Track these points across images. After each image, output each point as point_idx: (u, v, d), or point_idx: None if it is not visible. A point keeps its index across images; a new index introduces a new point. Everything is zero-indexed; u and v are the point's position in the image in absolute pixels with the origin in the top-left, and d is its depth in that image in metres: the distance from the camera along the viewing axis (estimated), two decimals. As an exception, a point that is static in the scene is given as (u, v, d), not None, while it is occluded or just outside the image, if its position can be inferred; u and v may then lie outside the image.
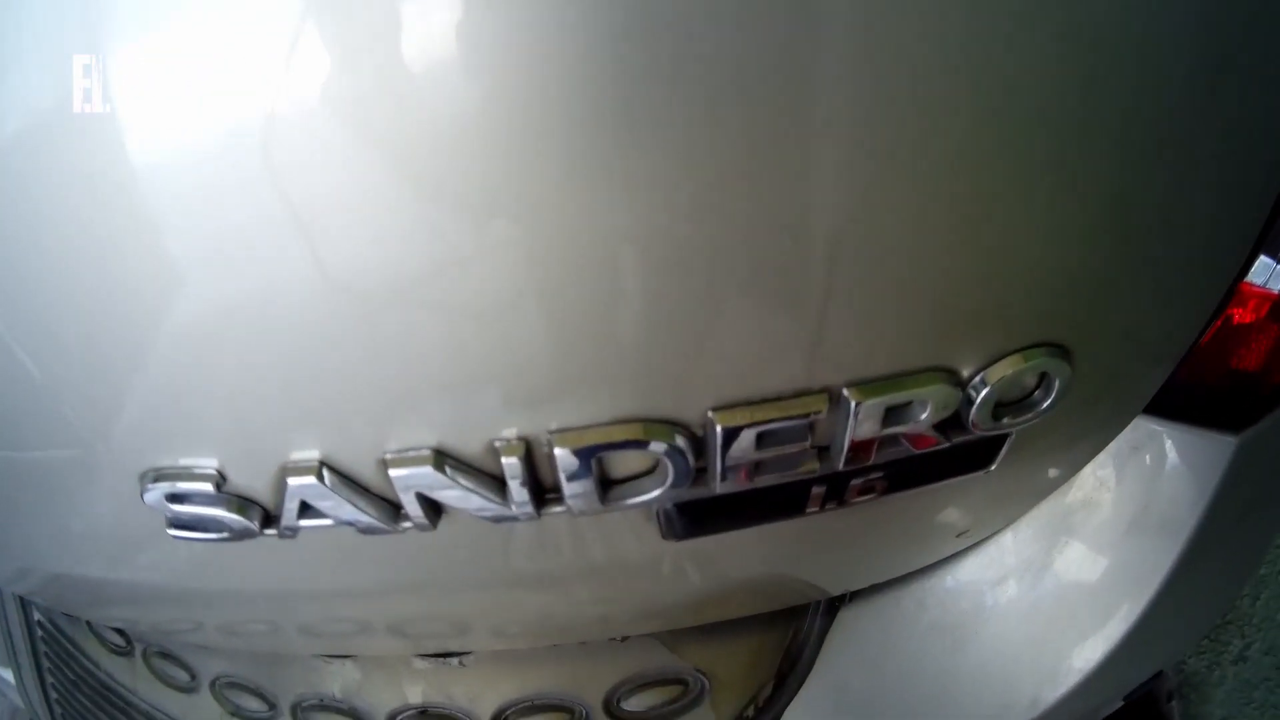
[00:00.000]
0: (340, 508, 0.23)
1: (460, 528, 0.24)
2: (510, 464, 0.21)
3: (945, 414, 0.24)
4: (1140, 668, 0.44)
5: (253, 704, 0.42)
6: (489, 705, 0.38)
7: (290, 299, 0.20)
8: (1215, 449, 0.35)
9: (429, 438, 0.21)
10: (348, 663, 0.40)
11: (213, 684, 0.43)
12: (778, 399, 0.22)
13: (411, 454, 0.21)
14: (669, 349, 0.21)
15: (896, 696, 0.40)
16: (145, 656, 0.45)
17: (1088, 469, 0.37)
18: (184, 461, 0.24)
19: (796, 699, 0.39)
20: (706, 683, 0.38)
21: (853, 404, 0.23)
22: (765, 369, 0.21)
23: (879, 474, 0.26)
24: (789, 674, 0.39)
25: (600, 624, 0.34)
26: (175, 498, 0.25)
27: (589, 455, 0.21)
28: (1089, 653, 0.39)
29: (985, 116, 0.19)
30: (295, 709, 0.41)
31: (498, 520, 0.23)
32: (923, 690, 0.41)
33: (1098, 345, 0.26)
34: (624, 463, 0.23)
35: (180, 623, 0.39)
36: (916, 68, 0.18)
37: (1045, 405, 0.26)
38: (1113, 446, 0.36)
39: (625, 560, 0.28)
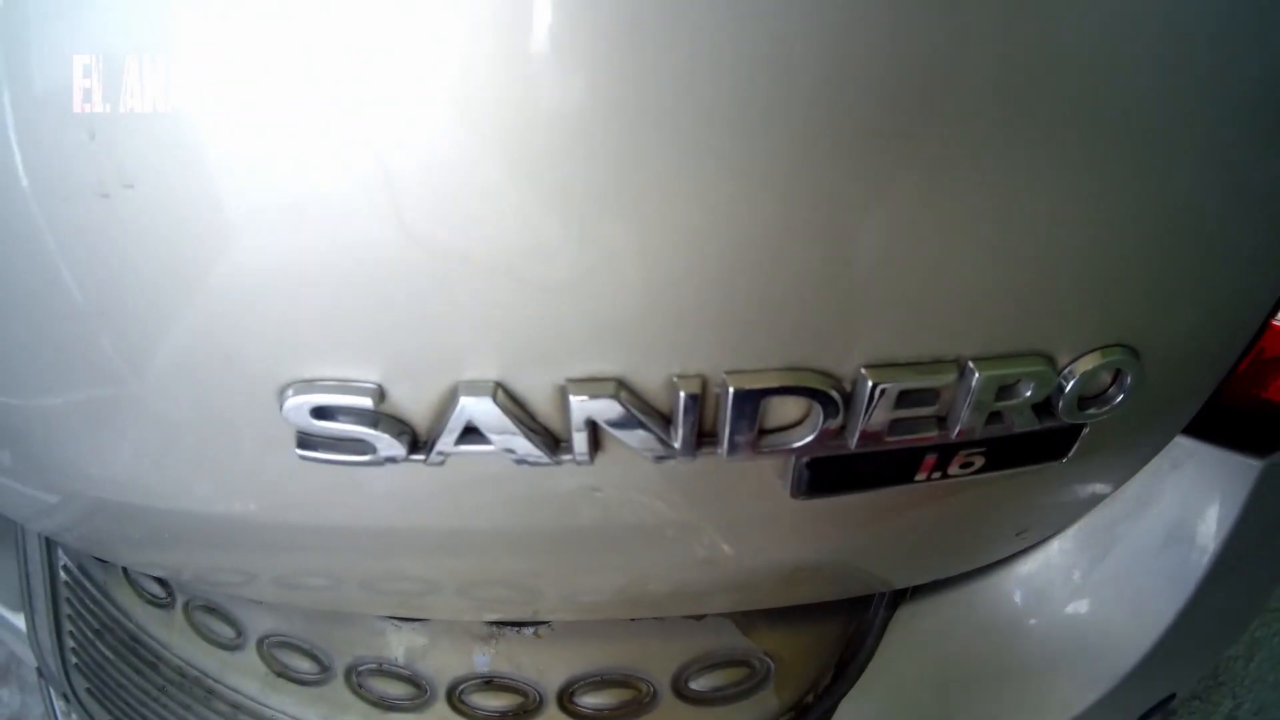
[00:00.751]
0: (507, 433, 0.25)
1: (603, 467, 0.27)
2: (685, 399, 0.24)
3: (1042, 396, 0.28)
4: (1164, 680, 0.47)
5: (303, 664, 0.42)
6: (557, 678, 0.39)
7: (485, 217, 0.21)
8: (1243, 471, 0.39)
9: (613, 367, 0.24)
10: (415, 626, 0.41)
11: (260, 642, 0.42)
12: (917, 364, 0.25)
13: (594, 382, 0.24)
14: (835, 306, 0.24)
15: (946, 691, 0.43)
16: (186, 609, 0.45)
17: (1131, 486, 0.41)
18: (341, 374, 0.25)
19: (853, 689, 0.41)
20: (772, 667, 0.40)
21: (975, 375, 0.26)
22: (913, 336, 0.25)
23: (979, 449, 0.29)
24: (849, 664, 0.41)
25: (683, 600, 0.36)
26: (320, 412, 0.26)
27: (756, 397, 0.24)
28: (1121, 660, 0.42)
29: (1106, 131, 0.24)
30: (350, 672, 0.41)
31: (656, 459, 0.26)
32: (970, 686, 0.43)
33: (1161, 351, 0.30)
34: (778, 411, 0.26)
35: (244, 572, 0.39)
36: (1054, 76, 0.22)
37: (1118, 401, 0.30)
38: (1154, 464, 0.40)
39: (744, 518, 0.30)
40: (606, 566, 0.32)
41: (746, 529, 0.31)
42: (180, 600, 0.45)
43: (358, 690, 0.42)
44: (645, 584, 0.35)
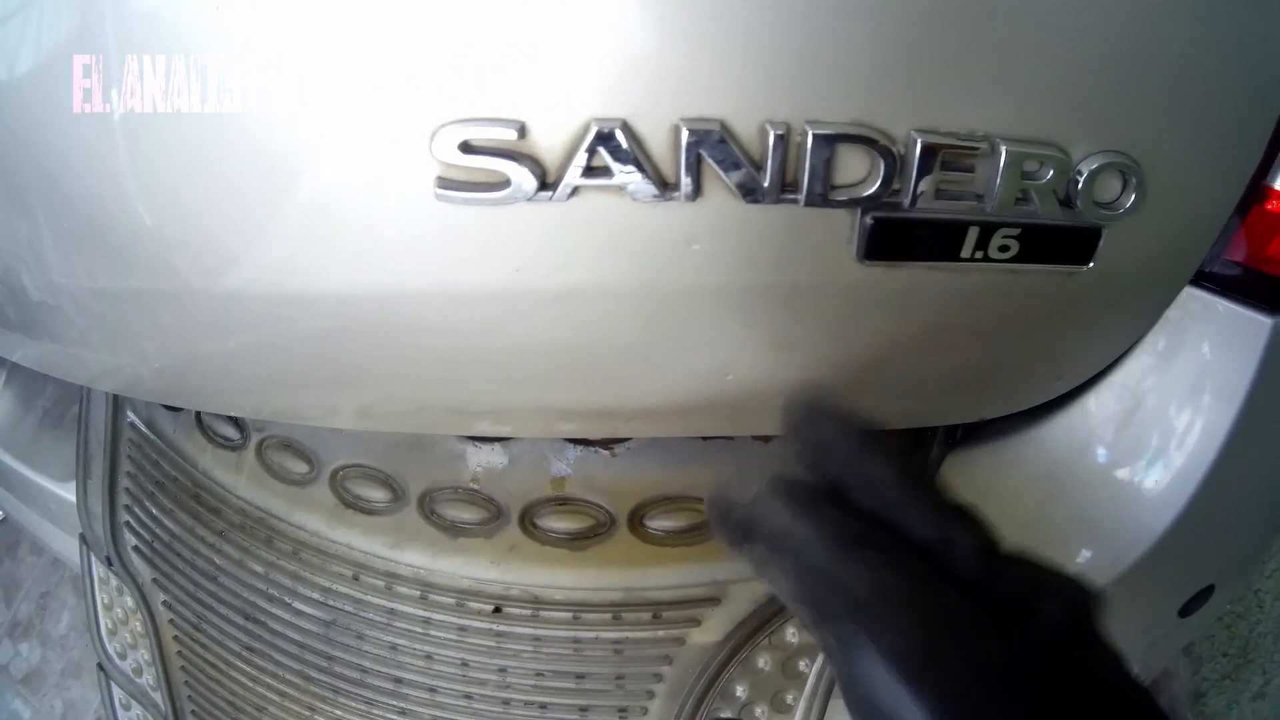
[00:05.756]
0: (629, 164, 0.34)
1: (702, 210, 0.35)
2: (774, 139, 0.34)
3: (1061, 183, 0.37)
4: (1202, 560, 0.53)
5: (376, 494, 0.48)
6: (631, 498, 0.46)
7: None
8: (1256, 328, 0.47)
9: (717, 109, 0.34)
10: (494, 447, 0.48)
11: (334, 474, 0.49)
12: (957, 133, 0.35)
13: (703, 122, 0.34)
14: (897, 74, 0.34)
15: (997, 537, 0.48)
16: (260, 449, 0.52)
17: (1151, 341, 0.50)
18: (485, 110, 0.34)
19: (907, 524, 0.47)
20: (830, 493, 0.46)
21: (1004, 149, 0.36)
22: (953, 110, 0.35)
23: (1014, 231, 0.38)
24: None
25: (755, 410, 0.43)
26: (469, 147, 0.34)
27: (831, 142, 0.34)
28: (1158, 518, 0.49)
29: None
30: (424, 498, 0.48)
31: (747, 197, 0.35)
32: (1020, 536, 0.48)
33: (1161, 165, 0.39)
34: (847, 166, 0.35)
35: (333, 397, 0.47)
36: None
37: (1128, 205, 0.39)
38: (1173, 320, 0.49)
39: (814, 288, 0.38)
40: (692, 343, 0.40)
41: (816, 298, 0.39)
42: (254, 440, 0.52)
43: (429, 516, 0.48)
44: (721, 381, 0.42)
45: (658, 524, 0.47)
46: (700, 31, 0.33)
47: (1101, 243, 0.41)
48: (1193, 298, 0.48)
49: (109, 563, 0.59)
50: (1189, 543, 0.50)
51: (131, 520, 0.57)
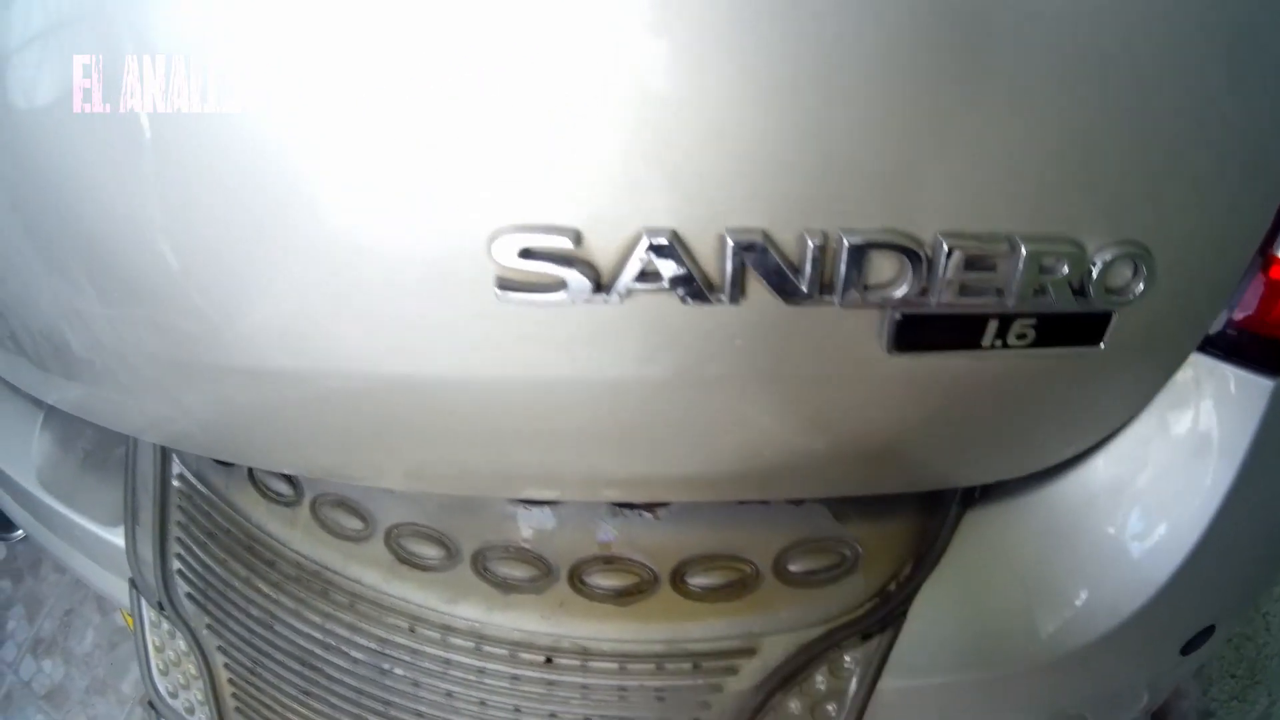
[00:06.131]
0: (677, 270, 0.37)
1: (744, 311, 0.39)
2: (813, 249, 0.37)
3: (1076, 275, 0.41)
4: (1203, 605, 0.56)
5: (430, 551, 0.52)
6: (673, 558, 0.49)
7: (681, 96, 0.34)
8: (1258, 390, 0.51)
9: (760, 220, 0.37)
10: (542, 509, 0.51)
11: (389, 531, 0.53)
12: (980, 236, 0.38)
13: (746, 232, 0.37)
14: (923, 185, 0.37)
15: (1010, 588, 0.52)
16: (314, 505, 0.55)
17: (1161, 403, 0.53)
18: (544, 219, 0.37)
19: (929, 580, 0.51)
20: (860, 554, 0.50)
21: (1023, 249, 0.39)
22: (976, 214, 0.38)
23: (1031, 320, 0.42)
24: (925, 556, 0.51)
25: (789, 478, 0.47)
26: (528, 253, 0.37)
27: (865, 250, 0.37)
28: (1160, 569, 0.53)
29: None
30: (477, 556, 0.51)
31: (787, 300, 0.38)
32: (1031, 585, 0.53)
33: (1171, 252, 0.42)
34: (878, 270, 0.38)
35: (384, 461, 0.50)
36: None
37: (1139, 290, 0.42)
38: (1179, 384, 0.52)
39: (845, 377, 0.42)
40: (732, 424, 0.44)
41: (847, 386, 0.43)
42: (308, 496, 0.56)
43: (482, 573, 0.52)
44: (757, 455, 0.46)
45: (697, 581, 0.51)
46: (745, 150, 0.36)
47: (1111, 324, 0.45)
48: (1198, 362, 0.52)
49: (161, 607, 0.62)
50: (1189, 590, 0.54)
51: (184, 568, 0.61)
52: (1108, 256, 0.41)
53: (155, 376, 0.51)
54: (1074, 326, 0.44)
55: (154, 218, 0.43)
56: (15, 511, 0.80)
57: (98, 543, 0.68)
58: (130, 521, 0.63)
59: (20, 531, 1.26)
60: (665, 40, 0.35)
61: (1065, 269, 0.41)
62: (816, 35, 0.35)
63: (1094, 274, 0.41)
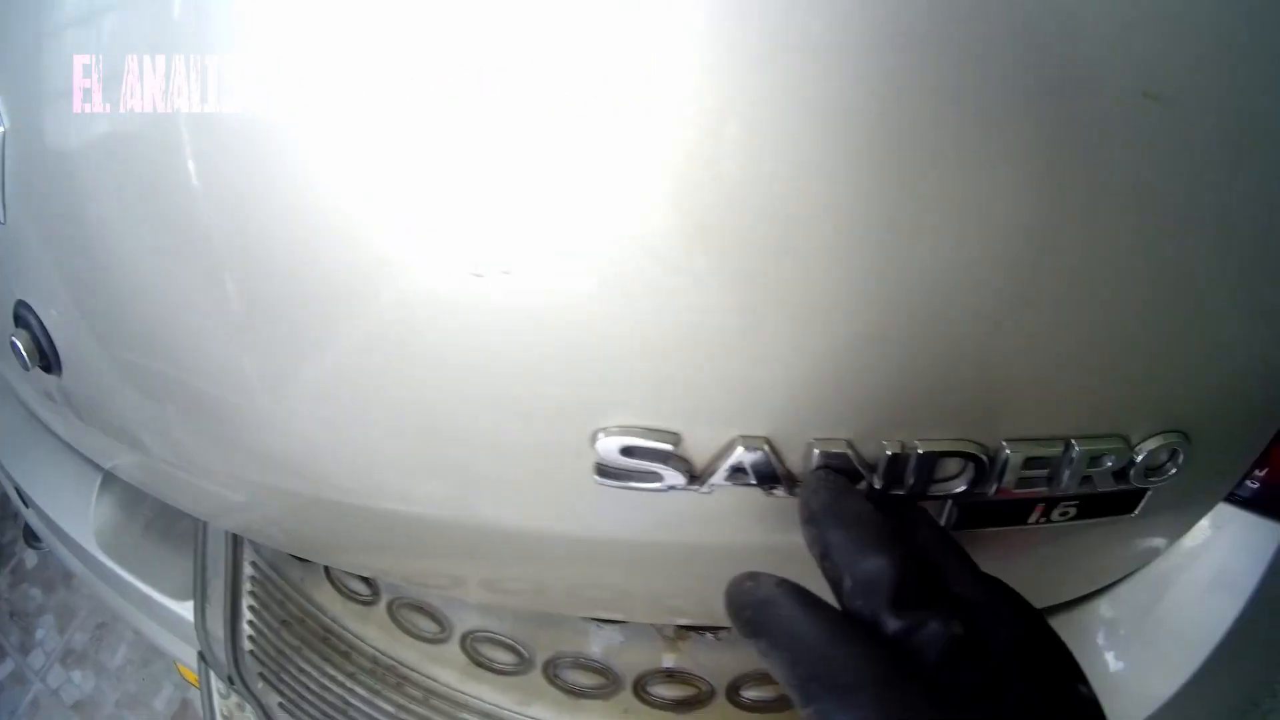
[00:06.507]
0: (766, 473, 0.41)
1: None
2: (887, 460, 0.41)
3: (1120, 466, 0.45)
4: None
5: (504, 657, 0.57)
6: (729, 674, 0.55)
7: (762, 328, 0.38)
8: (1269, 534, 0.56)
9: (845, 432, 0.41)
10: (614, 627, 0.56)
11: (464, 637, 0.57)
12: (1039, 439, 0.42)
13: (831, 442, 0.41)
14: (995, 391, 0.41)
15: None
16: (391, 607, 0.59)
17: (1184, 543, 0.58)
18: (647, 423, 0.41)
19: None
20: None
21: (1076, 449, 0.43)
22: (1035, 421, 0.42)
23: (1074, 502, 0.46)
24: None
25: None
26: (629, 450, 0.41)
27: (936, 456, 0.41)
28: (1166, 686, 0.58)
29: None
30: (549, 664, 0.56)
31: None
32: None
33: (1207, 437, 0.47)
34: (945, 468, 0.42)
35: (463, 576, 0.54)
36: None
37: (1173, 472, 0.47)
38: (1203, 527, 0.57)
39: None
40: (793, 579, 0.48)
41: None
42: (385, 598, 0.60)
43: (553, 680, 0.57)
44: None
45: (750, 694, 0.56)
46: (831, 368, 0.40)
47: (1146, 497, 0.49)
48: (1219, 511, 0.56)
49: (230, 681, 0.67)
50: (1188, 711, 0.60)
51: (256, 651, 0.65)
52: (1151, 447, 0.45)
53: (227, 479, 0.54)
54: (1112, 502, 0.48)
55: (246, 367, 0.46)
56: (72, 564, 0.83)
57: (163, 611, 0.71)
58: (200, 599, 0.67)
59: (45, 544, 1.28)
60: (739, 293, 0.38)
61: (1110, 461, 0.45)
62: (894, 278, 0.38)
63: (1136, 463, 0.46)
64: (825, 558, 0.36)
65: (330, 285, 0.42)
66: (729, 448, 0.41)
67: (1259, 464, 0.55)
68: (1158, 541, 0.55)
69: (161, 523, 0.75)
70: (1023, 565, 0.53)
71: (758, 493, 0.43)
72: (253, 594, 0.66)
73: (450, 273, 0.39)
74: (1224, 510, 0.56)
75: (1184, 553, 0.57)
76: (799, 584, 0.35)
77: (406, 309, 0.41)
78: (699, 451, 0.42)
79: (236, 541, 0.67)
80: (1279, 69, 0.38)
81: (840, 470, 0.42)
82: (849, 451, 0.41)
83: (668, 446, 0.41)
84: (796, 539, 0.46)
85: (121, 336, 0.50)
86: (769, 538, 0.46)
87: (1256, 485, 0.56)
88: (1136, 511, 0.49)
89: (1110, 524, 0.50)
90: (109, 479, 0.76)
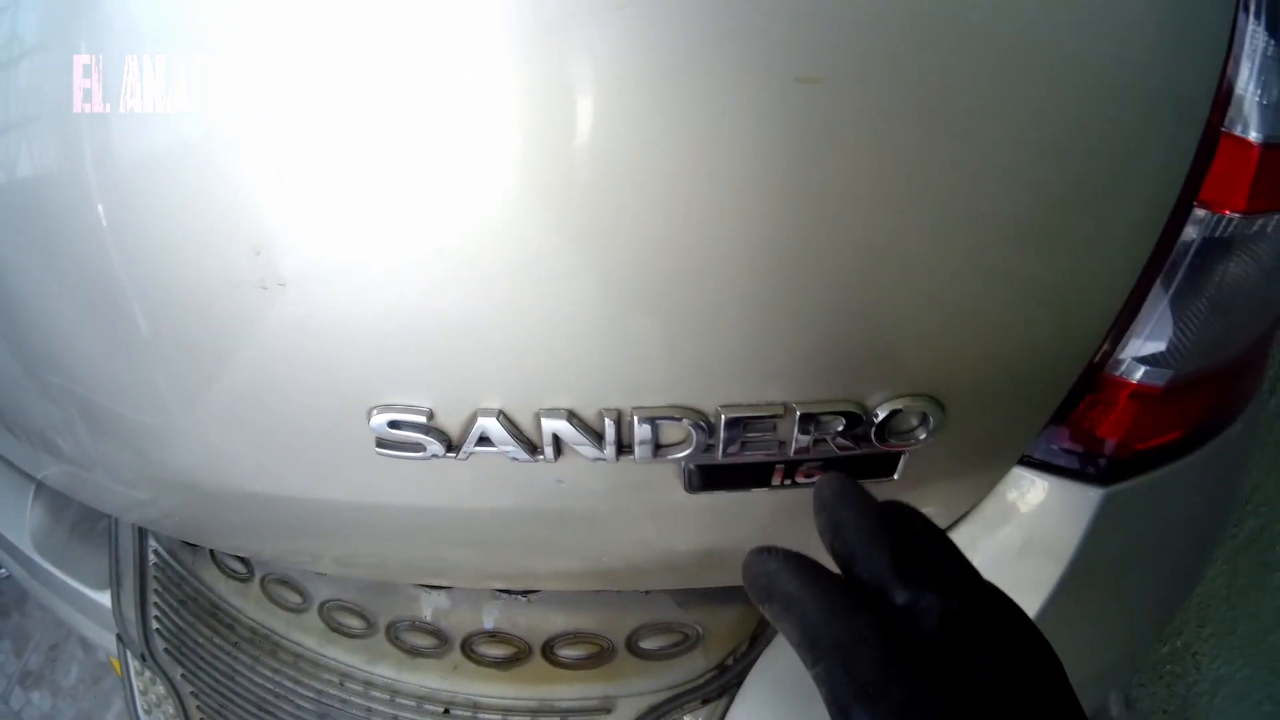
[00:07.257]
0: (505, 441, 0.47)
1: (563, 465, 0.48)
2: (609, 425, 0.46)
3: (856, 431, 0.49)
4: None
5: (354, 623, 0.64)
6: (543, 634, 0.61)
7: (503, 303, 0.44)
8: (1086, 498, 0.57)
9: (566, 402, 0.46)
10: (440, 592, 0.63)
11: (321, 605, 0.65)
12: (756, 405, 0.47)
13: (555, 410, 0.46)
14: (704, 368, 0.46)
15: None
16: (263, 582, 0.68)
17: (985, 509, 0.61)
18: (408, 401, 0.47)
19: (763, 654, 0.61)
20: (701, 633, 0.61)
21: (798, 413, 0.48)
22: (755, 389, 0.46)
23: (817, 463, 0.50)
24: (759, 635, 0.61)
25: (631, 575, 0.57)
26: (393, 424, 0.47)
27: (653, 422, 0.46)
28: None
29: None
30: (390, 627, 0.63)
31: (594, 460, 0.47)
32: None
33: (963, 403, 0.50)
34: (669, 434, 0.47)
35: (314, 551, 0.62)
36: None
37: (924, 436, 0.50)
38: (1002, 491, 0.59)
39: (656, 509, 0.51)
40: (571, 544, 0.54)
41: (661, 516, 0.52)
42: (258, 575, 0.68)
43: (394, 641, 0.64)
44: (599, 560, 0.56)
45: (563, 652, 0.62)
46: (546, 344, 0.45)
47: (903, 462, 0.53)
48: (1021, 476, 0.58)
49: (143, 658, 0.76)
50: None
51: (161, 629, 0.74)
52: (889, 410, 0.49)
53: (128, 478, 0.63)
54: (862, 465, 0.52)
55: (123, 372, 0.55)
56: (11, 566, 0.94)
57: (87, 601, 0.81)
58: (115, 586, 0.77)
59: (4, 570, 1.34)
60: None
61: (842, 425, 0.49)
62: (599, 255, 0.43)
63: (875, 425, 0.49)
64: (837, 537, 0.38)
65: (170, 308, 0.49)
66: (471, 419, 0.48)
67: (1071, 432, 0.55)
68: (941, 509, 0.58)
69: (85, 523, 0.84)
70: (798, 531, 0.57)
71: (506, 459, 0.49)
72: (156, 579, 0.76)
73: (242, 286, 0.47)
74: (1027, 476, 0.58)
75: (987, 519, 0.60)
76: (807, 556, 0.38)
77: (219, 320, 0.48)
78: (451, 423, 0.48)
79: (141, 533, 0.77)
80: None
81: (573, 438, 0.46)
82: (570, 420, 0.47)
83: (422, 419, 0.48)
84: (546, 503, 0.51)
85: (34, 359, 0.59)
86: (519, 500, 0.52)
87: (1065, 450, 0.56)
88: (897, 475, 0.53)
89: (877, 488, 0.54)
90: (42, 488, 0.87)
